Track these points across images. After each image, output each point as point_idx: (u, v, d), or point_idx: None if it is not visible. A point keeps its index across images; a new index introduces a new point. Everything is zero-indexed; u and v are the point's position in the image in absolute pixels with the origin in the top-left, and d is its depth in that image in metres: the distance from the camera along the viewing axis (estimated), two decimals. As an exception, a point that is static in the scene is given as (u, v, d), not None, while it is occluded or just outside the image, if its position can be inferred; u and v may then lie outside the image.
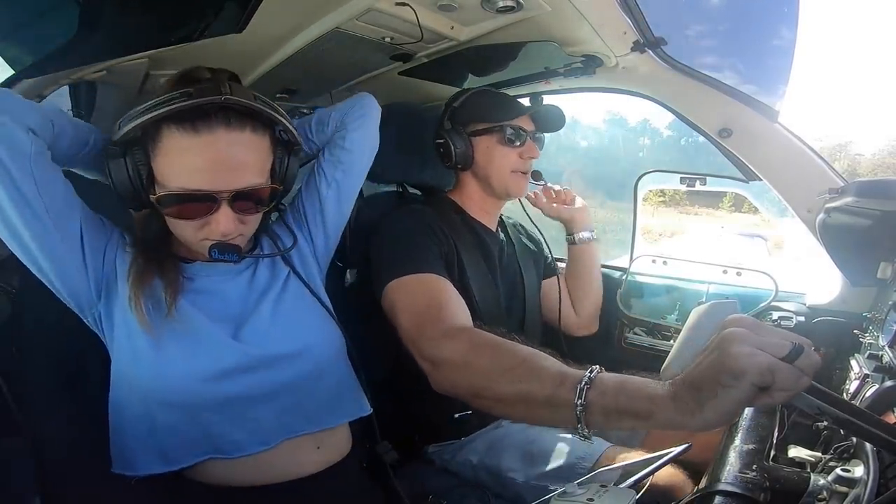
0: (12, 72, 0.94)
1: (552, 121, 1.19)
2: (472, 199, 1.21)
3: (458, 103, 1.19)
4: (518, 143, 1.15)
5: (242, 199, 0.75)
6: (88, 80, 1.03)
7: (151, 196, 0.74)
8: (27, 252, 0.72)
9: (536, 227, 1.39)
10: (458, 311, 0.91)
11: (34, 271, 0.74)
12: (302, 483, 0.82)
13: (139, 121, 0.71)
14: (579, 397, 0.60)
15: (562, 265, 1.45)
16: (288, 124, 0.80)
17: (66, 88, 1.03)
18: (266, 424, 0.79)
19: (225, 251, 0.77)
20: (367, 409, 0.93)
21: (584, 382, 0.61)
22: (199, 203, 0.73)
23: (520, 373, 0.69)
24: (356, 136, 0.96)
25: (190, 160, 0.71)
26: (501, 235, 1.26)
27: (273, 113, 0.77)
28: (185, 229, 0.77)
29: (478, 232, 1.19)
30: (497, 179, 1.17)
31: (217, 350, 0.77)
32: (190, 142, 0.71)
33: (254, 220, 0.81)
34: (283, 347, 0.81)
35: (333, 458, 0.87)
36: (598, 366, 0.64)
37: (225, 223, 0.74)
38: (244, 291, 0.84)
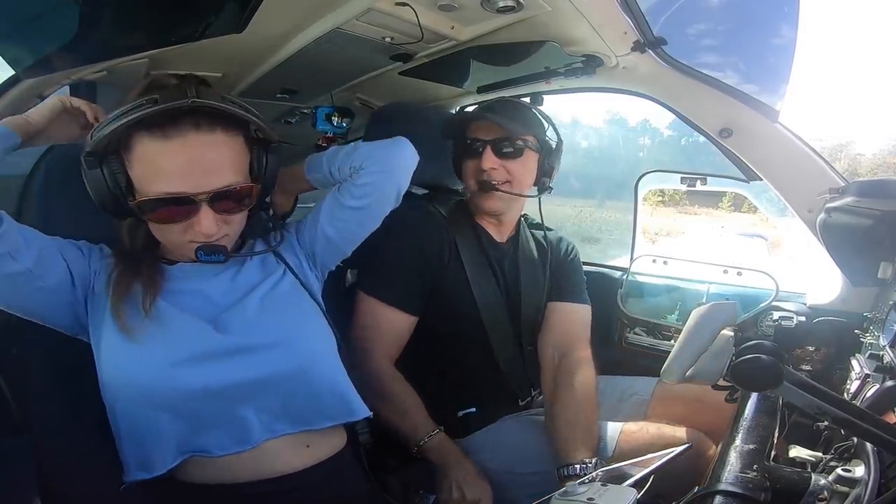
0: (12, 72, 0.94)
1: (506, 114, 1.12)
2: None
3: (452, 119, 1.23)
4: (474, 155, 1.14)
5: (221, 200, 0.75)
6: (88, 80, 1.03)
7: (131, 202, 0.74)
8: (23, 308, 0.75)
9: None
10: (388, 348, 1.08)
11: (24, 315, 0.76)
12: (289, 478, 0.79)
13: (108, 129, 0.70)
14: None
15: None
16: (260, 122, 0.78)
17: (65, 89, 1.03)
18: (247, 424, 0.76)
19: (211, 252, 0.77)
20: (364, 412, 0.86)
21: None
22: (179, 206, 0.73)
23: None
24: (369, 184, 0.89)
25: (164, 165, 0.71)
26: (509, 244, 1.24)
27: (243, 113, 0.75)
28: (169, 234, 0.77)
29: (480, 235, 1.20)
30: (469, 192, 1.20)
31: (193, 336, 0.76)
32: (162, 147, 0.71)
33: (238, 220, 0.81)
34: (265, 337, 0.79)
35: (324, 454, 0.84)
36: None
37: (207, 224, 0.74)
38: (226, 288, 0.83)
